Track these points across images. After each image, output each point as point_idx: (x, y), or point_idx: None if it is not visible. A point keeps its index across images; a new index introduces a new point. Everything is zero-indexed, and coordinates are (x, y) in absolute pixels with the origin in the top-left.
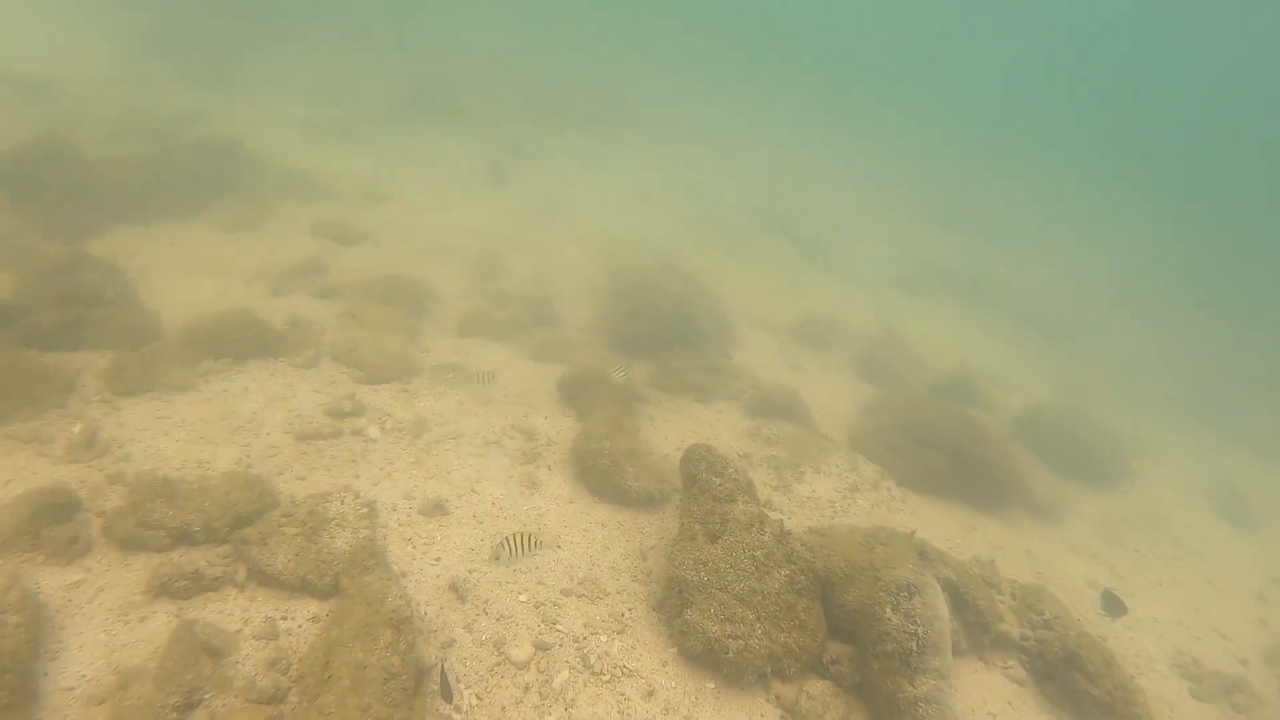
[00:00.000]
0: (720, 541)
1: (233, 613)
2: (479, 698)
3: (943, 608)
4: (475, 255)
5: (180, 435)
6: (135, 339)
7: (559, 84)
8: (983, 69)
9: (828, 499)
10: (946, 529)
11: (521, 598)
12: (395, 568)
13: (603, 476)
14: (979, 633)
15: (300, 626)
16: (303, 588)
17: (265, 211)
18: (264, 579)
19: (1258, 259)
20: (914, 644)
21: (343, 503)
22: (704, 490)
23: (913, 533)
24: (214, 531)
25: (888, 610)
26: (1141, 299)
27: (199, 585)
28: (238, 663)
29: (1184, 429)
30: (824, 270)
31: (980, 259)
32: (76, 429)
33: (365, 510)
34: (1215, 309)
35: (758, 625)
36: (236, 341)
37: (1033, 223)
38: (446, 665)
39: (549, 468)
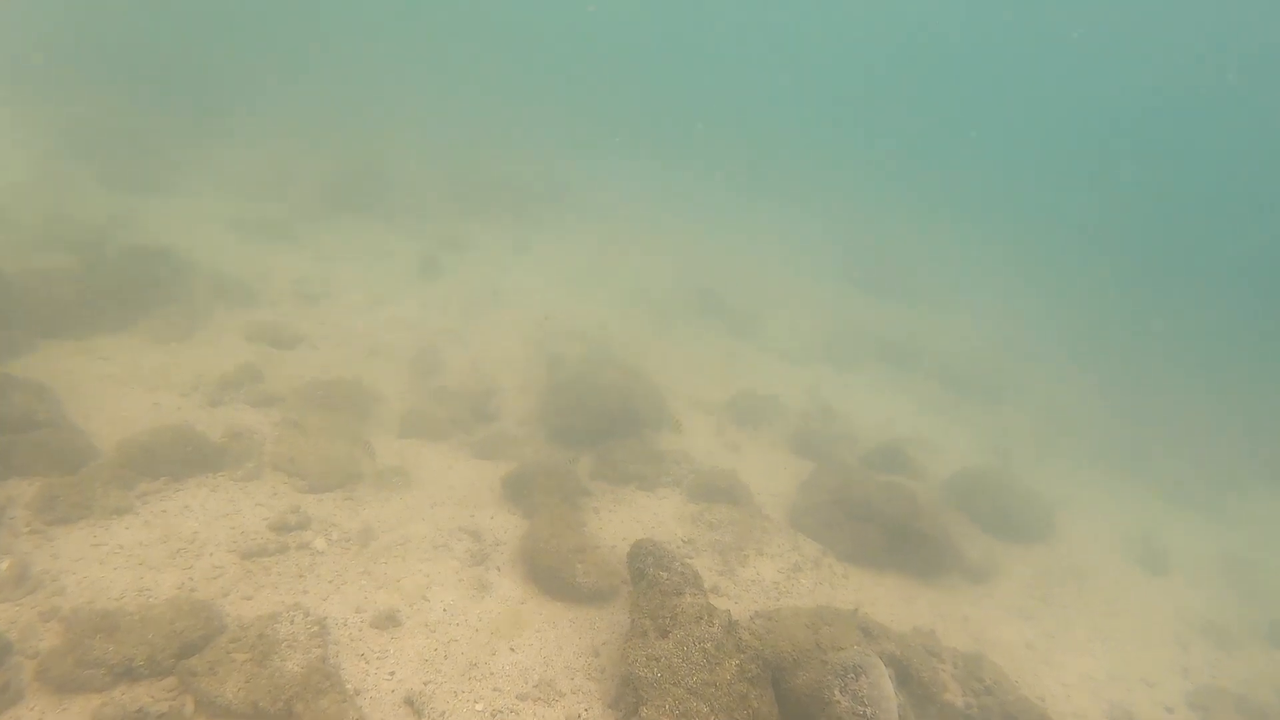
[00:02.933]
0: (670, 636)
1: None
2: None
3: (888, 686)
4: (412, 352)
5: (118, 562)
6: (68, 463)
7: (489, 171)
8: (903, 131)
9: (772, 580)
10: (888, 602)
11: (478, 707)
12: (349, 686)
13: (551, 575)
14: (925, 704)
15: None
16: (255, 716)
17: (199, 319)
18: (214, 710)
19: (1166, 309)
20: None
21: (292, 622)
22: (652, 585)
23: (855, 610)
24: (158, 664)
25: (836, 693)
26: (1058, 353)
27: None
28: None
29: (1102, 480)
30: (756, 347)
31: (907, 324)
32: (4, 565)
33: (316, 629)
34: (1126, 361)
35: (712, 717)
36: (174, 458)
37: (955, 284)
38: None
39: (498, 569)
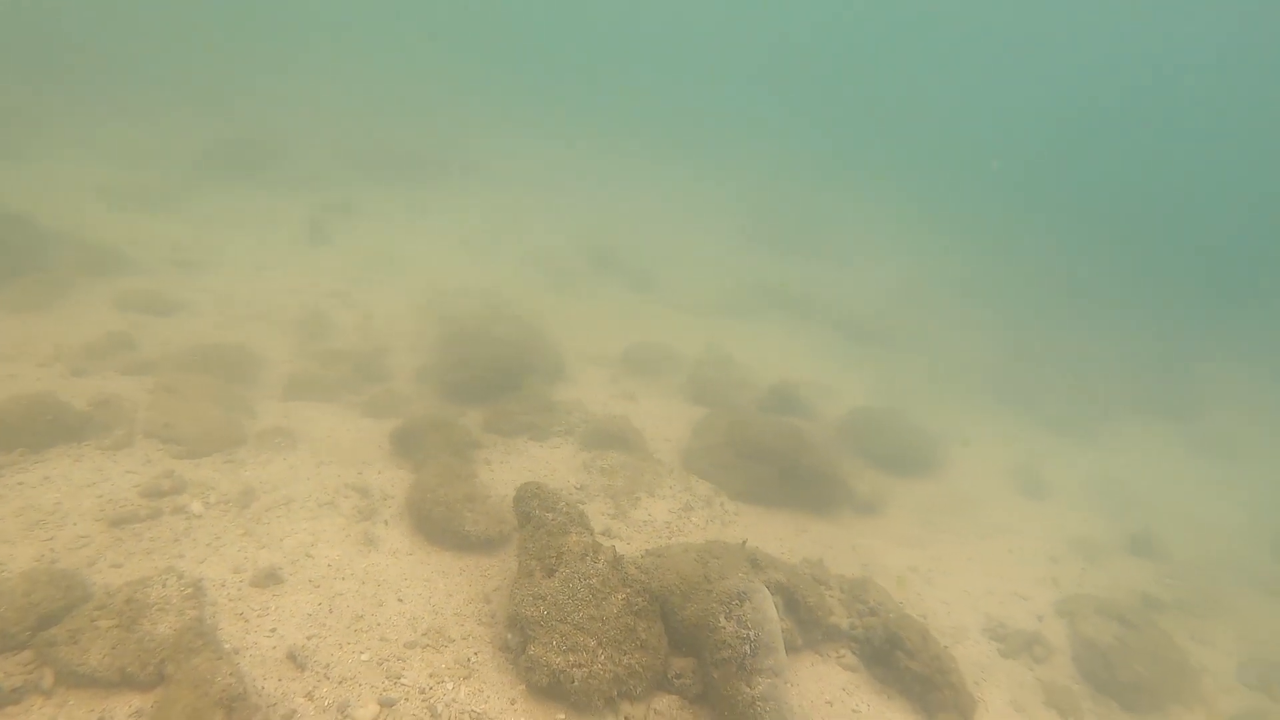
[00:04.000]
0: (557, 574)
1: None
2: None
3: (772, 610)
4: (300, 317)
5: None
6: None
7: (385, 137)
8: (803, 90)
9: (664, 520)
10: (779, 535)
11: (364, 657)
12: (227, 645)
13: (440, 524)
14: (811, 628)
15: None
16: (123, 682)
17: (61, 289)
18: (76, 680)
19: (1057, 256)
20: (747, 648)
21: (165, 586)
22: (538, 527)
23: (744, 543)
24: (12, 637)
25: (721, 619)
26: (954, 302)
27: None
28: None
29: (991, 415)
30: (655, 301)
31: (806, 277)
32: None
33: (191, 590)
34: (1020, 306)
35: (600, 651)
36: (30, 429)
37: (859, 240)
38: None
39: (386, 522)
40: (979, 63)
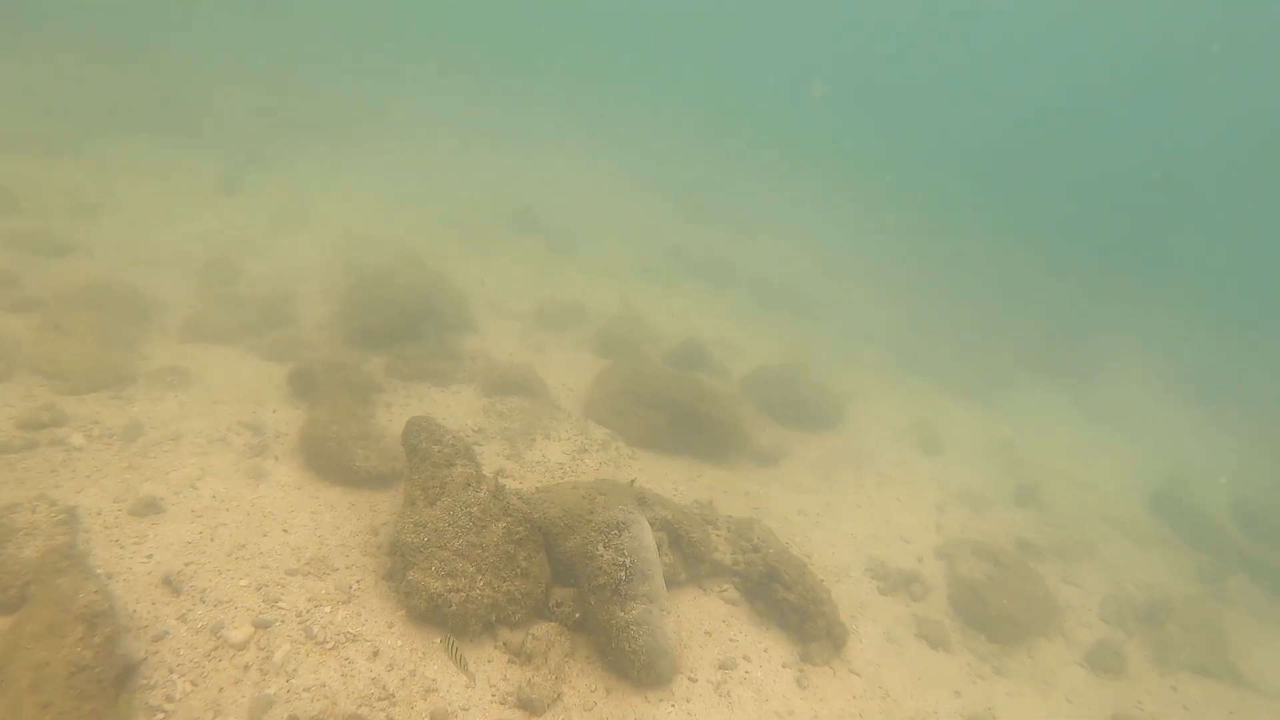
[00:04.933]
0: (439, 504)
1: None
2: (194, 684)
3: (649, 539)
4: (204, 263)
5: None
6: None
7: (309, 95)
8: (728, 59)
9: (557, 461)
10: (673, 480)
11: (243, 582)
12: (100, 571)
13: (331, 460)
14: (695, 564)
15: None
16: None
17: None
18: None
19: (965, 232)
20: (623, 574)
21: (34, 512)
22: (424, 459)
23: (632, 482)
24: None
25: (600, 548)
26: (866, 274)
27: None
28: None
29: (896, 379)
30: (573, 263)
31: (725, 244)
32: None
33: (63, 517)
34: (930, 277)
35: (479, 577)
36: None
37: (775, 211)
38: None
39: (276, 458)
40: (914, 35)
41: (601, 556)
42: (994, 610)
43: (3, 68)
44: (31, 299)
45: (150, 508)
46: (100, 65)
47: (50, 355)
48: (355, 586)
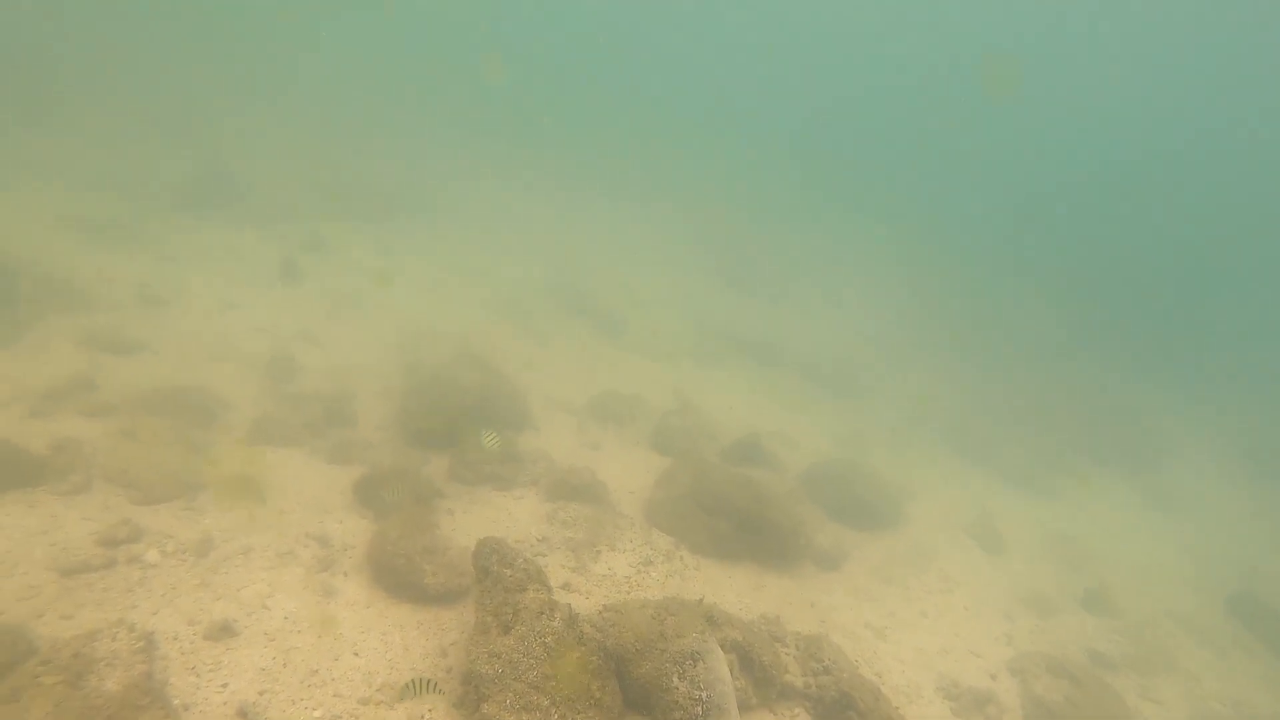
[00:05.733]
0: (513, 631)
1: None
2: None
3: (724, 670)
4: (266, 358)
5: None
6: None
7: (354, 171)
8: (771, 127)
9: (624, 575)
10: (737, 590)
11: (317, 714)
12: (176, 701)
13: (399, 576)
14: (766, 686)
15: None
16: None
17: (21, 326)
18: None
19: (1015, 306)
20: (699, 708)
21: (115, 639)
22: (496, 582)
23: (700, 600)
24: None
25: (675, 679)
26: (916, 350)
27: None
28: None
29: (950, 467)
30: (622, 346)
31: (770, 321)
32: None
33: (141, 644)
34: (978, 355)
35: (554, 710)
36: None
37: (821, 283)
38: None
39: (345, 573)
40: (961, 104)
41: (677, 689)
42: None
43: (71, 150)
44: (106, 404)
45: (224, 631)
46: (161, 147)
47: (124, 465)
48: (427, 716)
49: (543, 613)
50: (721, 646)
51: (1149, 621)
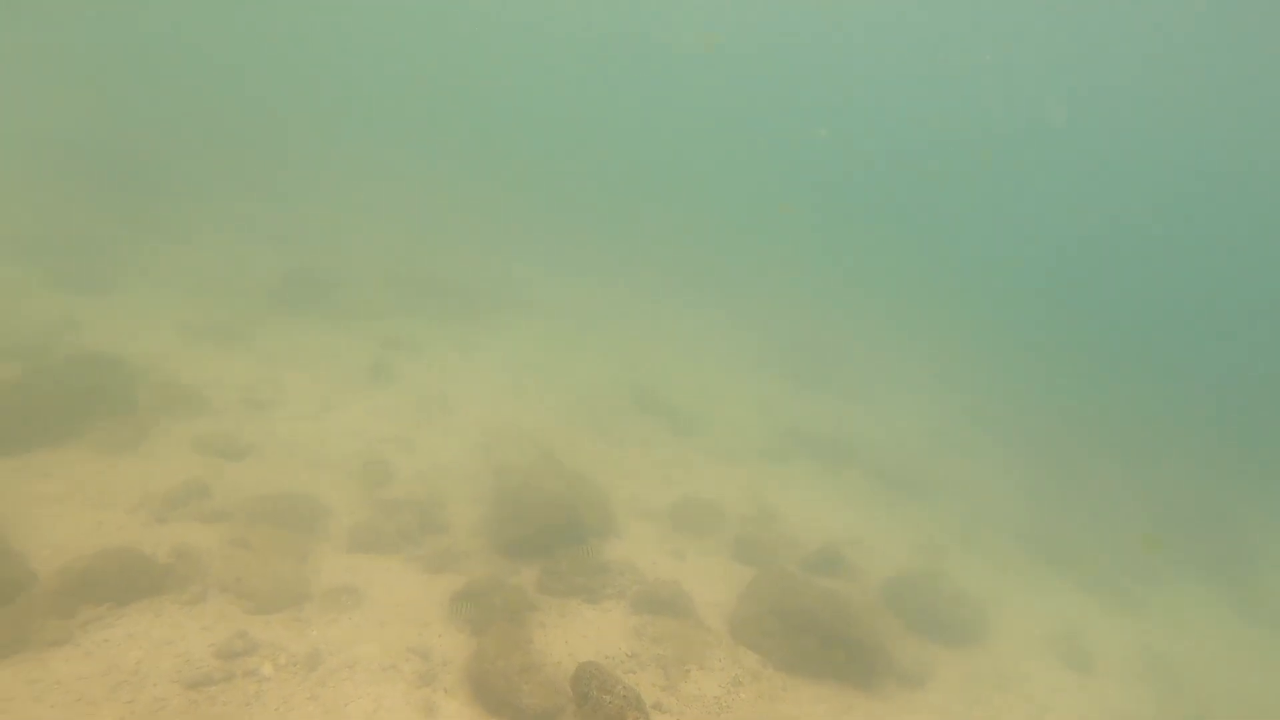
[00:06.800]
0: None
1: None
2: None
3: None
4: (361, 462)
5: (55, 699)
6: (4, 591)
7: (437, 269)
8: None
9: (713, 695)
10: (825, 712)
11: None
12: None
13: (498, 696)
14: None
15: None
16: None
17: (144, 430)
18: None
19: (1091, 396)
20: None
21: None
22: (596, 709)
23: None
24: None
25: None
26: (988, 447)
27: None
28: None
29: (1032, 575)
30: (697, 447)
31: (841, 415)
32: None
33: None
34: (1053, 454)
35: None
36: (118, 583)
37: (886, 377)
38: None
39: (445, 690)
40: (1012, 184)
41: None
42: None
43: (184, 255)
44: (219, 510)
45: None
46: (255, 247)
47: (237, 573)
48: None
49: None
50: None
51: None
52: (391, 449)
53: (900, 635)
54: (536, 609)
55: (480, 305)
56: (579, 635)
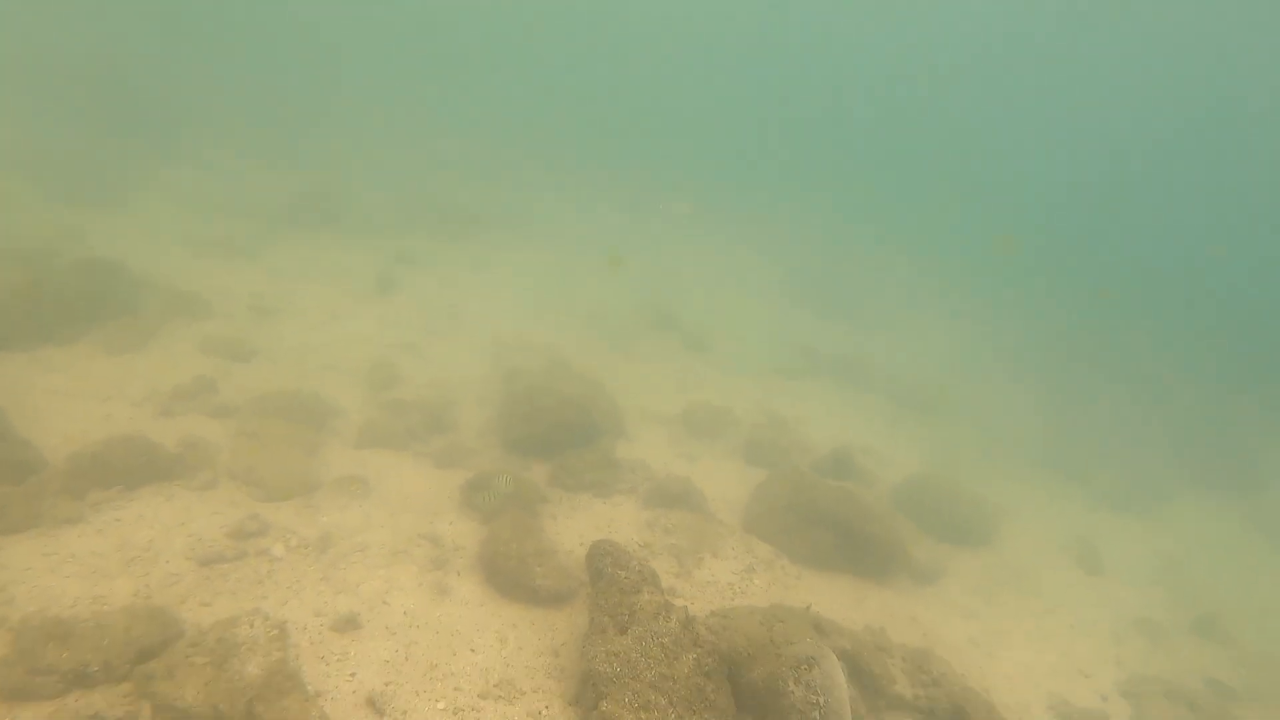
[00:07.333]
0: (629, 632)
1: None
2: None
3: (840, 676)
4: (369, 366)
5: (70, 571)
6: (15, 474)
7: (449, 191)
8: (858, 153)
9: (727, 581)
10: (840, 602)
11: (440, 705)
12: (310, 688)
13: (511, 578)
14: (875, 696)
15: None
16: (215, 718)
17: (152, 332)
18: (172, 714)
19: (1106, 323)
20: (816, 713)
21: (252, 626)
22: (611, 583)
23: (808, 608)
24: (114, 670)
25: (790, 684)
26: (1003, 371)
27: None
28: None
29: (1046, 488)
30: (710, 362)
31: (855, 343)
32: None
33: (276, 632)
34: (1066, 376)
35: (671, 710)
36: (127, 467)
37: (903, 305)
38: None
39: (458, 573)
40: (1034, 117)
41: (793, 693)
42: None
43: (191, 177)
44: (228, 405)
45: (349, 624)
46: (265, 170)
47: (248, 463)
48: (544, 712)
49: (659, 614)
50: None
51: (1271, 656)
52: (400, 355)
53: (913, 535)
54: (548, 501)
55: (497, 226)
56: (590, 527)
